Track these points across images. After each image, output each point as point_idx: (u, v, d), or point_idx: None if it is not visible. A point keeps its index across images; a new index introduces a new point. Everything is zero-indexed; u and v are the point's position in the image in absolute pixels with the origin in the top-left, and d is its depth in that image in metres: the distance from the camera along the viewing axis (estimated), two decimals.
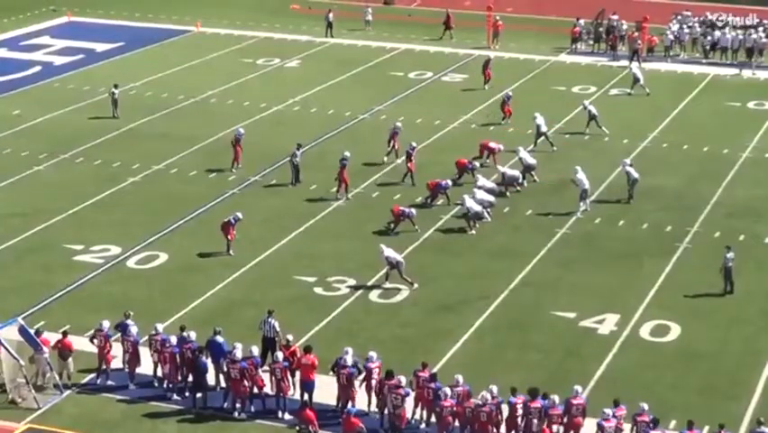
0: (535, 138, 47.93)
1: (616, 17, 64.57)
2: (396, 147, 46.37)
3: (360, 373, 28.61)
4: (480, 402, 27.06)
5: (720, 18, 64.05)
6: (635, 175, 42.44)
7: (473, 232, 39.73)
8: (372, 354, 28.98)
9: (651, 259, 37.91)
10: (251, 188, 43.95)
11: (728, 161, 47.05)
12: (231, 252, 37.94)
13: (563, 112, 52.55)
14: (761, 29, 63.08)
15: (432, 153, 47.04)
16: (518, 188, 43.32)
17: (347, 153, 43.30)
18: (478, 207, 40.00)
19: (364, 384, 28.75)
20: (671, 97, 55.72)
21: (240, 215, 38.33)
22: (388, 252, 35.72)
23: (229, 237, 37.97)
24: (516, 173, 43.44)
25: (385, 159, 46.43)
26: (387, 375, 28.05)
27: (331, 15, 66.86)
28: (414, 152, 44.02)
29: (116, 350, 30.47)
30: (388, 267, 35.74)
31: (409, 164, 43.85)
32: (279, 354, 29.08)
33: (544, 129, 47.87)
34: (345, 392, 28.60)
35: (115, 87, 52.79)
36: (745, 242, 39.08)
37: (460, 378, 27.89)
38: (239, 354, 28.79)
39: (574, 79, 58.78)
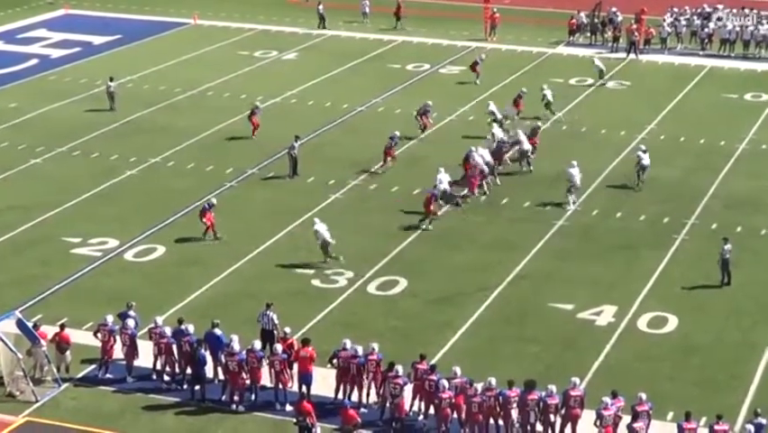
0: (547, 107, 50.51)
1: (614, 9, 64.46)
2: (425, 125, 48.35)
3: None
4: (473, 392, 27.12)
5: (719, 13, 63.91)
6: (646, 162, 42.46)
7: (483, 198, 41.05)
8: (374, 345, 28.98)
9: (648, 251, 37.93)
10: (249, 181, 43.95)
11: (725, 153, 47.04)
12: (218, 236, 38.01)
13: (560, 104, 52.46)
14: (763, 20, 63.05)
15: (429, 145, 47.10)
16: (531, 156, 44.34)
17: (397, 133, 45.01)
18: (447, 187, 40.16)
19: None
20: (668, 89, 55.71)
21: (214, 200, 38.79)
22: (319, 226, 36.16)
23: (208, 223, 38.01)
24: (527, 146, 44.43)
25: (421, 135, 48.18)
26: (389, 367, 28.03)
27: (321, 7, 66.61)
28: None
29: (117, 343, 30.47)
30: (319, 242, 35.92)
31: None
32: (278, 347, 29.08)
33: (550, 98, 50.44)
34: (354, 383, 28.59)
35: (111, 80, 52.75)
36: (743, 233, 39.10)
37: (458, 370, 27.90)
38: (236, 346, 28.82)
39: (571, 72, 58.75)
